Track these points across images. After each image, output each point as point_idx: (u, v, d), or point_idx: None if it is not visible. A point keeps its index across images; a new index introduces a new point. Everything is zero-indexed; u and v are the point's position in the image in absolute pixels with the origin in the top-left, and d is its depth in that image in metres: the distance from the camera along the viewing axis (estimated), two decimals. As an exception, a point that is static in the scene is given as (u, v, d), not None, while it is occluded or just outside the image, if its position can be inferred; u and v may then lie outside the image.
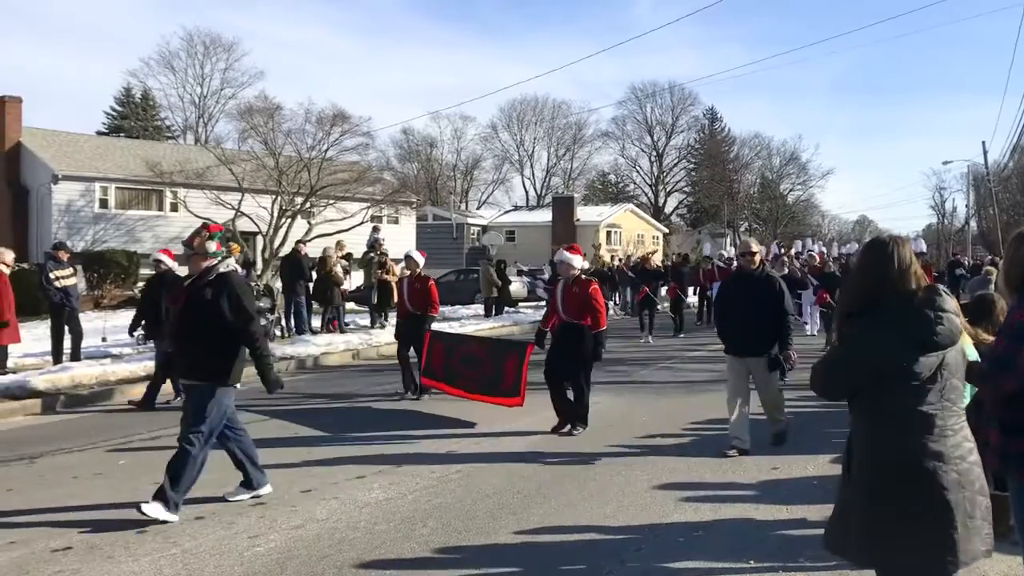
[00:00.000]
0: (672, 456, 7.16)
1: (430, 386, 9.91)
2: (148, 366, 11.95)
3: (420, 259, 10.64)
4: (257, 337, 5.65)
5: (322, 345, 14.95)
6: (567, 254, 8.33)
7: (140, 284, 25.14)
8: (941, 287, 2.92)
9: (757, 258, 7.52)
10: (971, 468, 2.83)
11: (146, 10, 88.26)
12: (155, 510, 5.27)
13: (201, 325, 5.54)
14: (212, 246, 5.66)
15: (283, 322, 16.79)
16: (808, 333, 15.25)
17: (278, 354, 13.82)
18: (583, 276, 8.32)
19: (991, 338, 3.89)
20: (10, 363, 11.51)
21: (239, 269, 5.92)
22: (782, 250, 25.00)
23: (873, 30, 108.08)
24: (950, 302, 2.84)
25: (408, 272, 10.65)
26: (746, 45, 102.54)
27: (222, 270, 5.65)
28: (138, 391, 10.12)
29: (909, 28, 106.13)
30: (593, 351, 8.07)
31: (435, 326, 10.83)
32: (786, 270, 12.61)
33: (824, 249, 27.64)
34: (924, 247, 21.92)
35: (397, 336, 10.74)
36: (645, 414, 9.17)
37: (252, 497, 5.85)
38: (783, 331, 7.16)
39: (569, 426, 8.08)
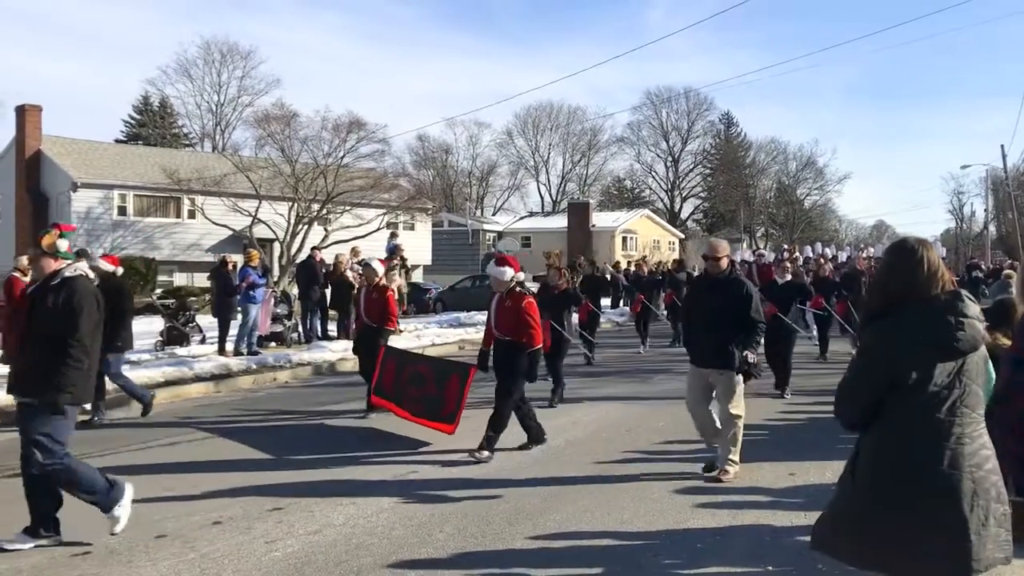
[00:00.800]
0: (689, 462, 7.12)
1: (380, 405, 9.17)
2: (167, 371, 12.07)
3: (380, 268, 9.91)
4: (72, 354, 4.86)
5: (338, 351, 15.00)
6: (496, 268, 7.68)
7: (158, 291, 25.45)
8: (964, 292, 2.87)
9: (724, 263, 6.69)
10: (987, 476, 2.79)
11: (164, 18, 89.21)
12: (112, 520, 5.07)
13: (41, 336, 4.93)
14: (62, 245, 5.10)
15: (299, 328, 16.91)
16: (814, 344, 14.87)
17: (295, 360, 13.92)
18: (518, 289, 7.68)
19: (1009, 342, 3.87)
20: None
21: (90, 275, 5.29)
22: (784, 254, 24.60)
23: (890, 33, 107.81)
24: (972, 307, 2.80)
25: (367, 282, 9.90)
26: (762, 49, 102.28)
27: (68, 274, 5.06)
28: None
29: (926, 31, 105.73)
30: (528, 371, 7.50)
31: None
32: (788, 276, 12.29)
33: (837, 253, 27.45)
34: (943, 251, 21.70)
35: (355, 351, 9.99)
36: (662, 420, 9.14)
37: (34, 546, 5.01)
38: (750, 336, 6.53)
39: (483, 449, 7.30)
